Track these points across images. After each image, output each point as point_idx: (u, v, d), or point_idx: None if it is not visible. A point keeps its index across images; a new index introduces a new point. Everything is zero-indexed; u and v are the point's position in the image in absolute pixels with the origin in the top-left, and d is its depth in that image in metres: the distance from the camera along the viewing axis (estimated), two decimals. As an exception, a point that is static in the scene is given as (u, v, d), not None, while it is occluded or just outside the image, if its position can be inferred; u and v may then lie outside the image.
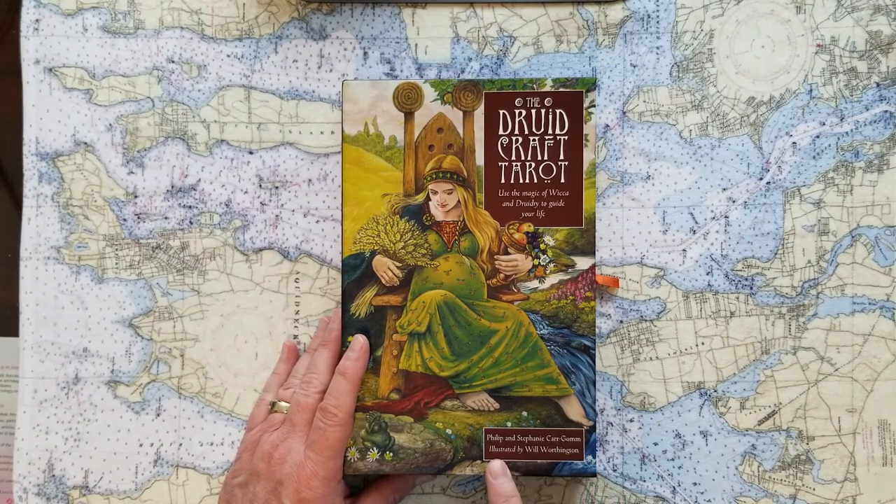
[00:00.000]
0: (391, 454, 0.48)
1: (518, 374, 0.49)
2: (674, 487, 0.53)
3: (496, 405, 0.49)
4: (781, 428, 0.53)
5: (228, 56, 0.54)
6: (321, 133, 0.54)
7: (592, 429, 0.48)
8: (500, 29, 0.54)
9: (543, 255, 0.48)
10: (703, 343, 0.53)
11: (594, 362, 0.49)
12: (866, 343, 0.53)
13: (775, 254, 0.53)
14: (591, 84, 0.49)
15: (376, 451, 0.48)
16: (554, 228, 0.48)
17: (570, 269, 0.49)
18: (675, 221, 0.53)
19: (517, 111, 0.49)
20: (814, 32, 0.53)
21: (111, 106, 0.55)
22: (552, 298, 0.49)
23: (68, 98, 0.54)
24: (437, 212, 0.49)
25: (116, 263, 0.54)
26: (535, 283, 0.49)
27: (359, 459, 0.48)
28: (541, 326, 0.49)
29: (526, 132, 0.49)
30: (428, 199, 0.49)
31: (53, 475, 0.54)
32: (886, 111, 0.53)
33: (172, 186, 0.54)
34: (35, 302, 0.54)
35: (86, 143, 0.54)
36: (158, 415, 0.54)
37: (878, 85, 0.53)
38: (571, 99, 0.48)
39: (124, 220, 0.54)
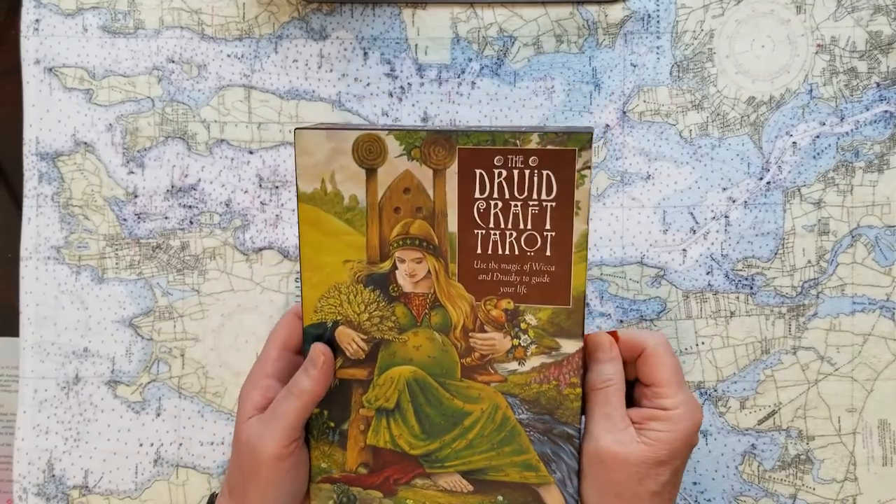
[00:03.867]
0: None
1: (493, 458, 0.44)
2: (674, 487, 0.53)
3: (470, 487, 0.45)
4: (781, 428, 0.53)
5: (228, 56, 0.54)
6: (321, 133, 0.54)
7: None
8: (500, 29, 0.54)
9: (524, 335, 0.43)
10: (703, 343, 0.53)
11: (578, 452, 0.44)
12: (866, 343, 0.53)
13: (775, 254, 0.53)
14: (586, 141, 0.41)
15: None
16: (536, 307, 0.43)
17: (554, 353, 0.43)
18: (676, 221, 0.53)
19: (497, 171, 0.42)
20: (814, 32, 0.53)
21: (111, 106, 0.54)
22: (533, 382, 0.44)
23: (68, 98, 0.54)
24: (404, 282, 0.43)
25: (116, 263, 0.54)
26: (513, 365, 0.44)
27: None
28: (519, 411, 0.44)
29: (507, 196, 0.42)
30: (395, 267, 0.43)
31: (53, 475, 0.54)
32: (886, 111, 0.53)
33: (172, 186, 0.54)
34: (35, 302, 0.54)
35: (86, 143, 0.54)
36: (158, 414, 0.54)
37: (878, 85, 0.53)
38: (561, 159, 0.41)
39: (124, 219, 0.54)
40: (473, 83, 0.54)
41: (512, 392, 0.44)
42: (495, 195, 0.42)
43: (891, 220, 0.53)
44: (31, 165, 0.54)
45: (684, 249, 0.54)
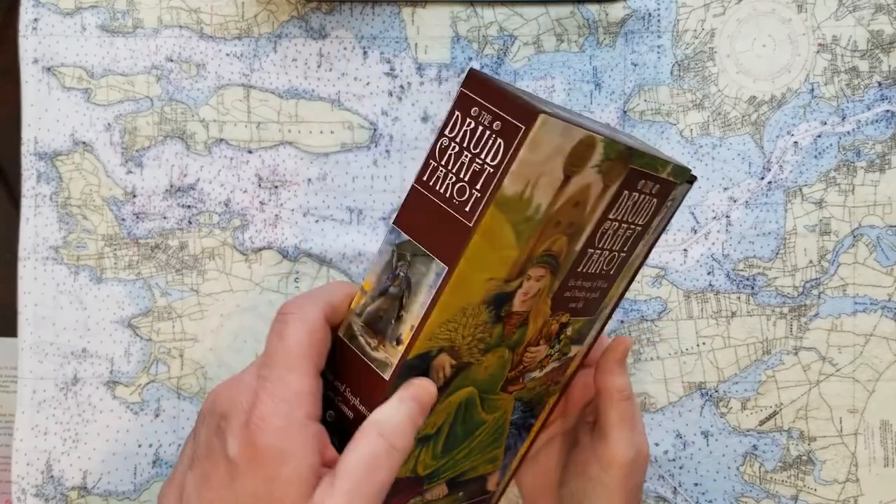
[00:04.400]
0: None
1: (477, 460, 0.41)
2: (675, 488, 0.53)
3: (445, 491, 0.41)
4: (783, 428, 0.53)
5: (227, 55, 0.54)
6: (321, 132, 0.54)
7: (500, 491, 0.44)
8: (500, 28, 0.54)
9: (558, 344, 0.41)
10: (704, 343, 0.53)
11: (528, 434, 0.43)
12: (868, 343, 0.53)
13: (777, 253, 0.53)
14: (689, 175, 0.40)
15: None
16: (579, 318, 0.41)
17: (564, 357, 0.42)
18: (676, 221, 0.53)
19: (634, 194, 0.38)
20: (815, 31, 0.53)
21: (110, 105, 0.54)
22: (538, 385, 0.41)
23: (67, 97, 0.54)
24: (517, 301, 0.37)
25: (115, 263, 0.54)
26: (536, 373, 0.41)
27: None
28: (516, 412, 0.41)
29: (624, 218, 0.39)
30: (520, 286, 0.36)
31: (52, 476, 0.54)
32: (888, 111, 0.53)
33: (171, 186, 0.54)
34: (34, 302, 0.54)
35: (84, 143, 0.54)
36: (157, 415, 0.54)
37: (879, 84, 0.53)
38: (667, 189, 0.40)
39: (123, 219, 0.54)
40: (473, 82, 0.54)
41: (521, 396, 0.41)
42: (620, 216, 0.38)
43: (892, 219, 0.53)
44: (29, 165, 0.54)
45: (685, 249, 0.53)
